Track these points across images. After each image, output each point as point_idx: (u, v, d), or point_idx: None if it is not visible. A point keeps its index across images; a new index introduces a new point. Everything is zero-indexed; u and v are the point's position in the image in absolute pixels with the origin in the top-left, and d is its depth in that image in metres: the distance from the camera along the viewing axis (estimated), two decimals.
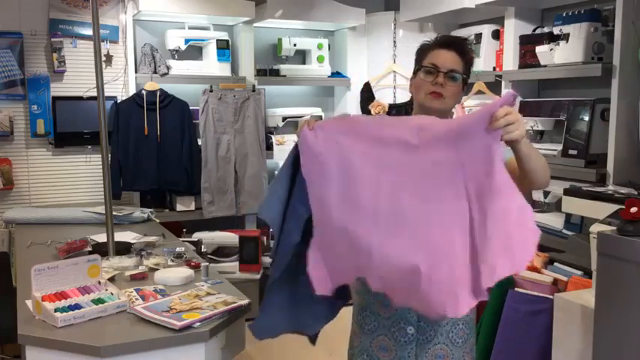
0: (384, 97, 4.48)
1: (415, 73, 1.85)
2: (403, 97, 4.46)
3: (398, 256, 1.48)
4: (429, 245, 1.46)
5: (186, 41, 4.23)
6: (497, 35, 3.68)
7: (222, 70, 4.31)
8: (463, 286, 1.45)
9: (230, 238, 4.04)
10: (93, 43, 2.58)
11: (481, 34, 3.75)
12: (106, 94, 2.88)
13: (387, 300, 1.73)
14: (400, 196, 1.51)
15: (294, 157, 1.71)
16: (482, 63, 3.69)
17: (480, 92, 3.68)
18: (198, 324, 1.82)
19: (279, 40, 4.51)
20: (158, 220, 3.57)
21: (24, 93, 3.92)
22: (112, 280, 2.26)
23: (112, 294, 2.02)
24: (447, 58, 1.78)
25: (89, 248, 2.70)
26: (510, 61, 3.46)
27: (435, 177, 1.49)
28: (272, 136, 4.45)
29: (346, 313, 1.93)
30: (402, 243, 1.49)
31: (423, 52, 1.85)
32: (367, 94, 4.47)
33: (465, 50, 1.82)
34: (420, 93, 1.81)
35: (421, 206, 1.49)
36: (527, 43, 3.32)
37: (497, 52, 3.66)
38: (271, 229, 1.76)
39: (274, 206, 1.71)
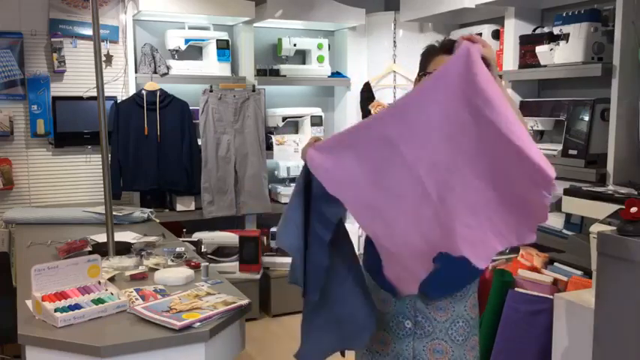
0: (384, 97, 4.48)
1: (420, 77, 1.86)
2: None
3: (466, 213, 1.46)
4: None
5: (186, 41, 4.23)
6: (497, 35, 3.68)
7: (222, 70, 4.31)
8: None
9: (230, 238, 4.04)
10: (93, 43, 2.58)
11: (481, 34, 3.74)
12: (106, 94, 2.89)
13: (386, 295, 1.84)
14: (430, 159, 1.50)
15: (305, 182, 1.74)
16: None
17: None
18: (198, 324, 1.82)
19: (279, 40, 4.51)
20: (158, 220, 3.57)
21: (24, 93, 3.92)
22: (112, 280, 2.26)
23: (112, 294, 2.02)
24: None
25: (89, 248, 2.70)
26: (510, 61, 3.46)
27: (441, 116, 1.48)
28: (272, 136, 4.45)
29: None
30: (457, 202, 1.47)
31: (428, 55, 1.87)
32: (367, 94, 4.47)
33: None
34: None
35: (449, 154, 1.47)
36: (527, 43, 3.32)
37: (497, 52, 3.66)
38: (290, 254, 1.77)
39: (292, 232, 1.74)
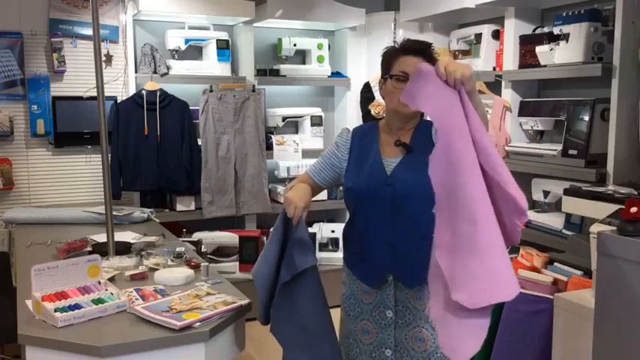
0: None
1: (384, 80, 1.91)
2: None
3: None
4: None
5: (186, 41, 4.23)
6: (497, 35, 3.68)
7: (222, 70, 4.31)
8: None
9: (230, 238, 4.04)
10: (93, 43, 2.58)
11: (481, 34, 3.74)
12: (106, 94, 2.88)
13: (367, 287, 1.95)
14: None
15: (283, 221, 1.87)
16: (482, 63, 3.69)
17: (479, 92, 3.68)
18: (198, 324, 1.82)
19: (279, 40, 4.51)
20: (158, 220, 3.56)
21: (24, 93, 3.92)
22: (112, 280, 2.26)
23: (112, 294, 2.02)
24: (414, 65, 1.84)
25: (89, 248, 2.70)
26: (510, 61, 3.46)
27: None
28: (272, 136, 4.45)
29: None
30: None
31: (390, 57, 1.93)
32: (367, 94, 4.47)
33: (429, 55, 1.91)
34: (393, 100, 1.92)
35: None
36: (527, 43, 3.32)
37: (497, 52, 3.65)
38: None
39: (262, 268, 1.89)
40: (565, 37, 3.00)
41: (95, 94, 2.60)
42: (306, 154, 4.44)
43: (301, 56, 4.72)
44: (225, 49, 4.31)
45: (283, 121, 4.52)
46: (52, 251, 2.72)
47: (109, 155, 2.97)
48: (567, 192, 2.73)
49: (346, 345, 2.03)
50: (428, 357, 1.91)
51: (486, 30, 3.72)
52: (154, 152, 4.03)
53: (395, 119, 1.96)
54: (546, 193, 3.24)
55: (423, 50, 1.89)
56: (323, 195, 4.47)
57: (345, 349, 2.03)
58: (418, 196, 1.82)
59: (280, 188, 4.49)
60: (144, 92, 4.01)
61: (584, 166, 2.90)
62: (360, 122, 4.45)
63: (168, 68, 4.15)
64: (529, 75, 3.33)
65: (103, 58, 3.86)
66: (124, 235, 2.97)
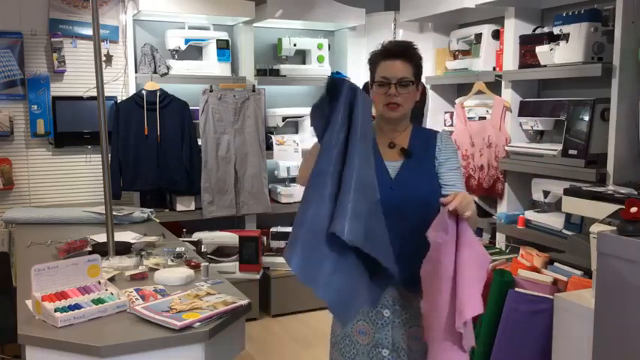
0: None
1: (371, 86, 1.93)
2: None
3: None
4: None
5: (186, 41, 4.23)
6: (497, 35, 3.68)
7: (222, 70, 4.31)
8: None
9: (230, 238, 4.04)
10: (93, 43, 2.58)
11: (481, 34, 3.74)
12: (106, 94, 2.89)
13: None
14: None
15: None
16: (482, 63, 3.69)
17: (480, 92, 3.68)
18: (198, 324, 1.83)
19: (279, 40, 4.51)
20: (158, 220, 3.57)
21: (24, 93, 3.92)
22: (112, 280, 2.26)
23: (112, 294, 2.03)
24: (394, 68, 1.89)
25: (89, 248, 2.70)
26: (510, 61, 3.46)
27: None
28: (272, 136, 4.45)
29: None
30: None
31: (373, 64, 1.97)
32: (367, 94, 4.46)
33: (410, 55, 1.91)
34: (379, 105, 1.96)
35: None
36: (527, 43, 3.32)
37: (497, 52, 3.65)
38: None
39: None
40: (565, 37, 3.00)
41: (95, 94, 2.61)
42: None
43: (301, 56, 4.72)
44: (225, 49, 4.32)
45: (283, 121, 4.52)
46: (52, 251, 2.72)
47: (109, 155, 2.98)
48: (567, 192, 2.73)
49: (342, 346, 2.01)
50: (425, 355, 1.91)
51: (486, 30, 3.72)
52: (154, 152, 4.03)
53: (384, 123, 2.00)
54: (546, 193, 3.24)
55: (403, 52, 1.90)
56: None
57: (342, 350, 2.02)
58: (420, 201, 1.85)
59: (280, 188, 4.49)
60: (144, 92, 4.02)
61: (584, 166, 2.90)
62: None
63: (168, 68, 4.15)
64: (529, 75, 3.33)
65: (103, 58, 3.86)
66: (124, 235, 2.97)
